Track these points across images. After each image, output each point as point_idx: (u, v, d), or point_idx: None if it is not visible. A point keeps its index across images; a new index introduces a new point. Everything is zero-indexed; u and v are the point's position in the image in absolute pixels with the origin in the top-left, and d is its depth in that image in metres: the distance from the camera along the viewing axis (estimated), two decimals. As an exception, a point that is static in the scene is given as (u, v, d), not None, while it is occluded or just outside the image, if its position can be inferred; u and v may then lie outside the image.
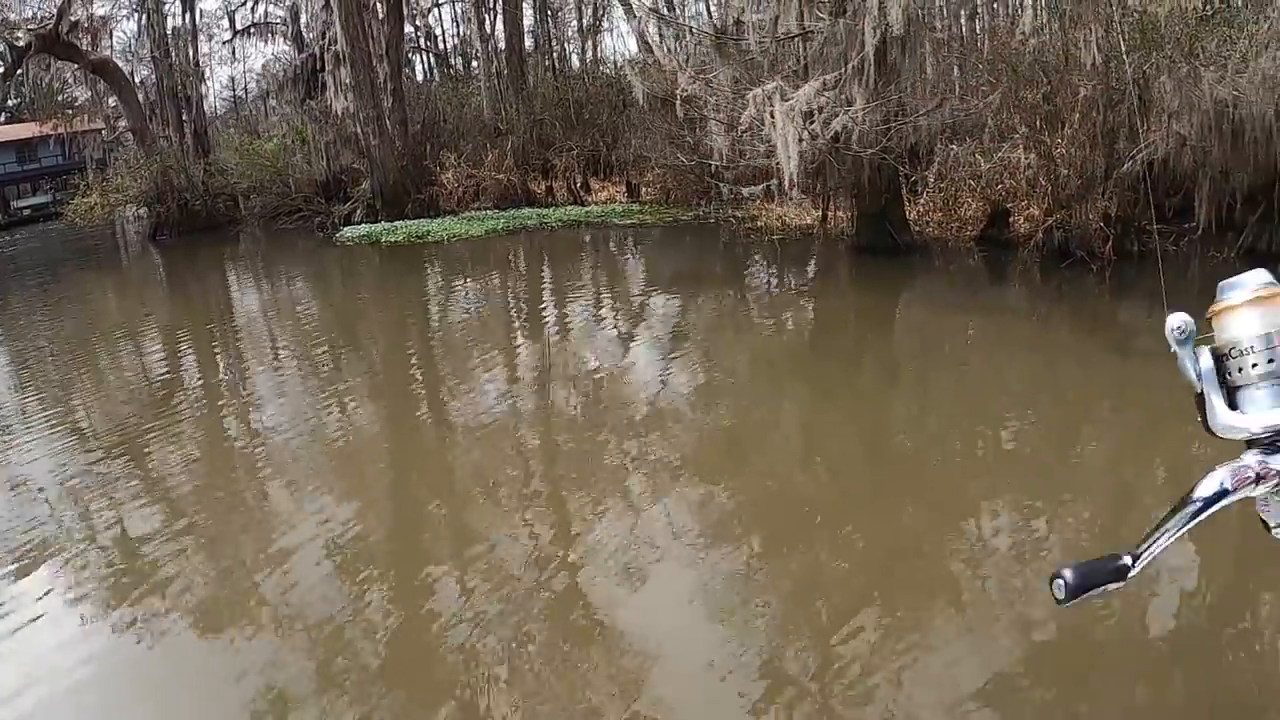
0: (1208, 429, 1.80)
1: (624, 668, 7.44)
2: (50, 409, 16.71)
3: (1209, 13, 21.11)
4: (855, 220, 22.91)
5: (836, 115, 18.67)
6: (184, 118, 44.58)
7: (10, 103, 64.46)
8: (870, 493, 10.51)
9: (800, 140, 18.46)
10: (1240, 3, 21.58)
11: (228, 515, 11.15)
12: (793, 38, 20.49)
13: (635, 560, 9.06)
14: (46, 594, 9.44)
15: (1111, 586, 1.98)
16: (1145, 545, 2.01)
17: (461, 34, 55.29)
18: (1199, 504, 1.87)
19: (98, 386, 18.42)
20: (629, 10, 45.15)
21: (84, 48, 43.55)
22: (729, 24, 22.77)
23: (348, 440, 13.78)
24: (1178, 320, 1.71)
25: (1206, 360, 1.75)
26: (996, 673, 6.89)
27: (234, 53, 52.57)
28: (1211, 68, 19.12)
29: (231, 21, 49.96)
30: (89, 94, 51.40)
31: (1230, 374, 1.75)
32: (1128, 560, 2.01)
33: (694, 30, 22.69)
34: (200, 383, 18.48)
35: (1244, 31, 20.03)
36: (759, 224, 27.04)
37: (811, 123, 18.72)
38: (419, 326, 21.62)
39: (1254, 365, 1.71)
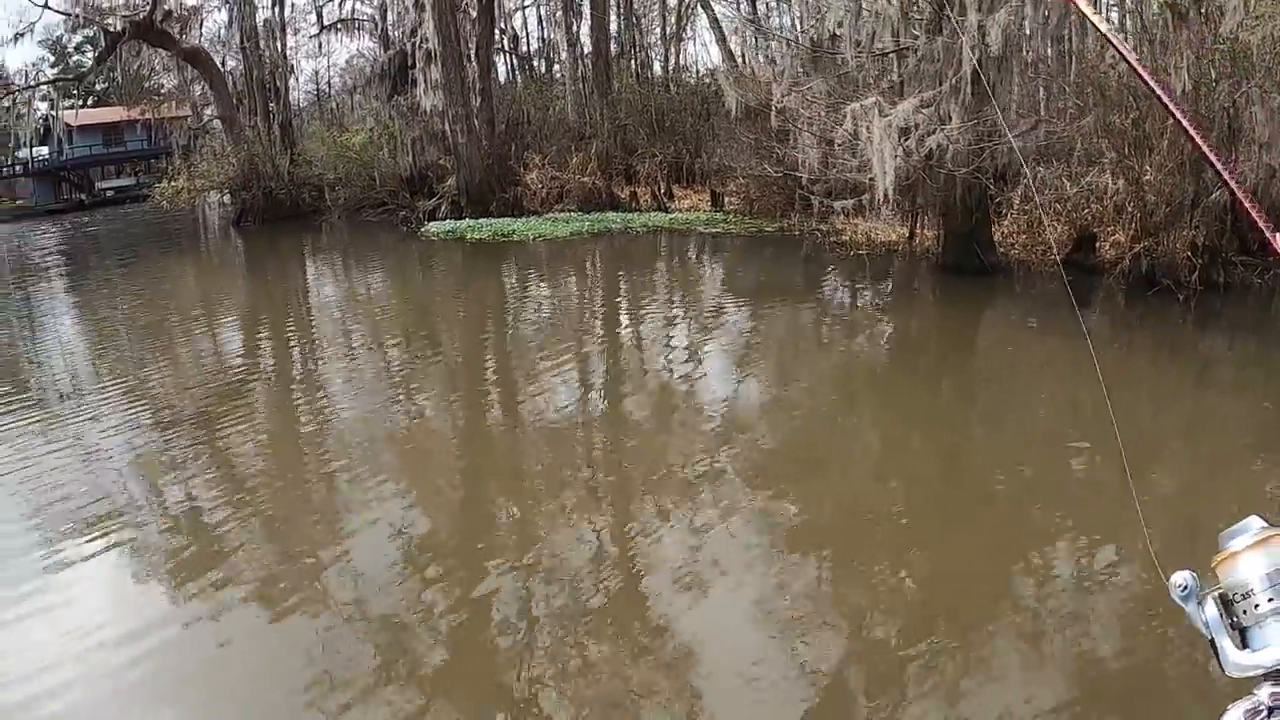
0: (1224, 671, 1.86)
1: (677, 677, 7.55)
2: (127, 386, 17.15)
3: None
4: (943, 238, 22.94)
5: (932, 133, 18.77)
6: (271, 108, 45.13)
7: (99, 87, 65.49)
8: (938, 514, 10.59)
9: (895, 156, 18.59)
10: None
11: (294, 502, 11.42)
12: (888, 54, 20.63)
13: (696, 569, 9.17)
14: (112, 567, 9.79)
15: None
16: None
17: (545, 37, 55.48)
18: None
19: (174, 368, 18.81)
20: (714, 20, 45.48)
21: (176, 36, 44.31)
22: (824, 38, 22.86)
23: (417, 434, 14.03)
24: (1180, 579, 1.86)
25: (1212, 610, 1.84)
26: (1050, 703, 6.98)
27: (320, 46, 53.01)
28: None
29: (319, 16, 50.41)
30: (175, 81, 52.25)
31: (1239, 616, 1.81)
32: None
33: (791, 43, 22.79)
34: (277, 370, 18.87)
35: None
36: (844, 238, 27.07)
37: (906, 139, 18.84)
38: (500, 324, 21.90)
39: (1259, 605, 1.78)
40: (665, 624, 8.28)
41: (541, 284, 26.88)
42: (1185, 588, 1.88)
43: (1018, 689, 7.19)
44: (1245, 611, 1.81)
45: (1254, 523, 1.87)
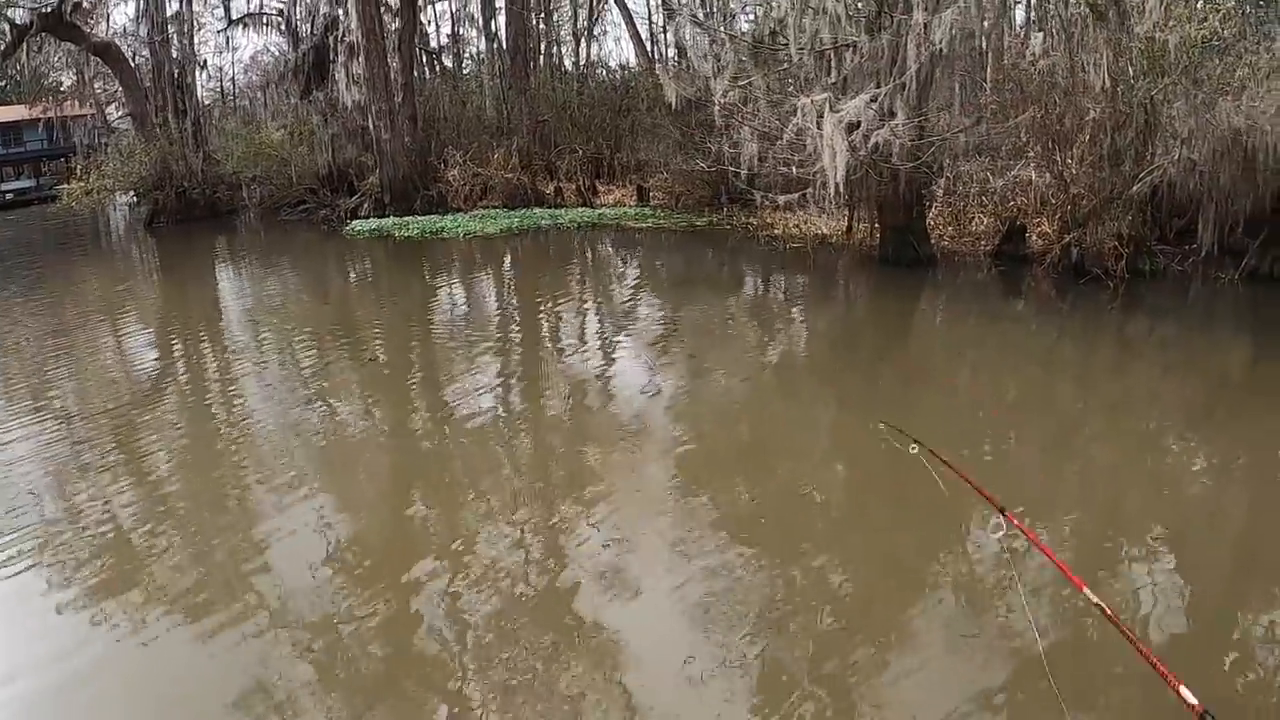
0: None
1: (610, 676, 7.63)
2: (35, 397, 16.62)
3: (1215, 42, 21.63)
4: (880, 231, 23.29)
5: (879, 128, 19.04)
6: (182, 105, 44.37)
7: (-1, 84, 64.13)
8: (870, 501, 10.90)
9: (844, 151, 18.83)
10: (1242, 32, 22.10)
11: (213, 510, 11.23)
12: (832, 50, 20.86)
13: (623, 566, 9.26)
14: (28, 586, 9.52)
15: None
16: None
17: (456, 31, 55.16)
18: None
19: (84, 378, 18.22)
20: (627, 16, 45.59)
21: (86, 30, 43.45)
22: (765, 34, 23.05)
23: (337, 437, 13.84)
24: None
25: None
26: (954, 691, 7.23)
27: (227, 42, 52.33)
28: (1228, 95, 19.70)
29: (226, 10, 49.74)
30: (75, 79, 51.21)
31: None
32: None
33: (734, 38, 22.91)
34: (192, 376, 18.45)
35: (1242, 60, 20.67)
36: (775, 232, 27.35)
37: (852, 135, 19.09)
38: (430, 323, 21.70)
39: None
40: (596, 623, 8.34)
41: (474, 282, 26.68)
42: None
43: (953, 670, 7.47)
44: None
45: None
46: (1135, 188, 20.11)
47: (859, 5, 20.83)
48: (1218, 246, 20.70)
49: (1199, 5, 22.46)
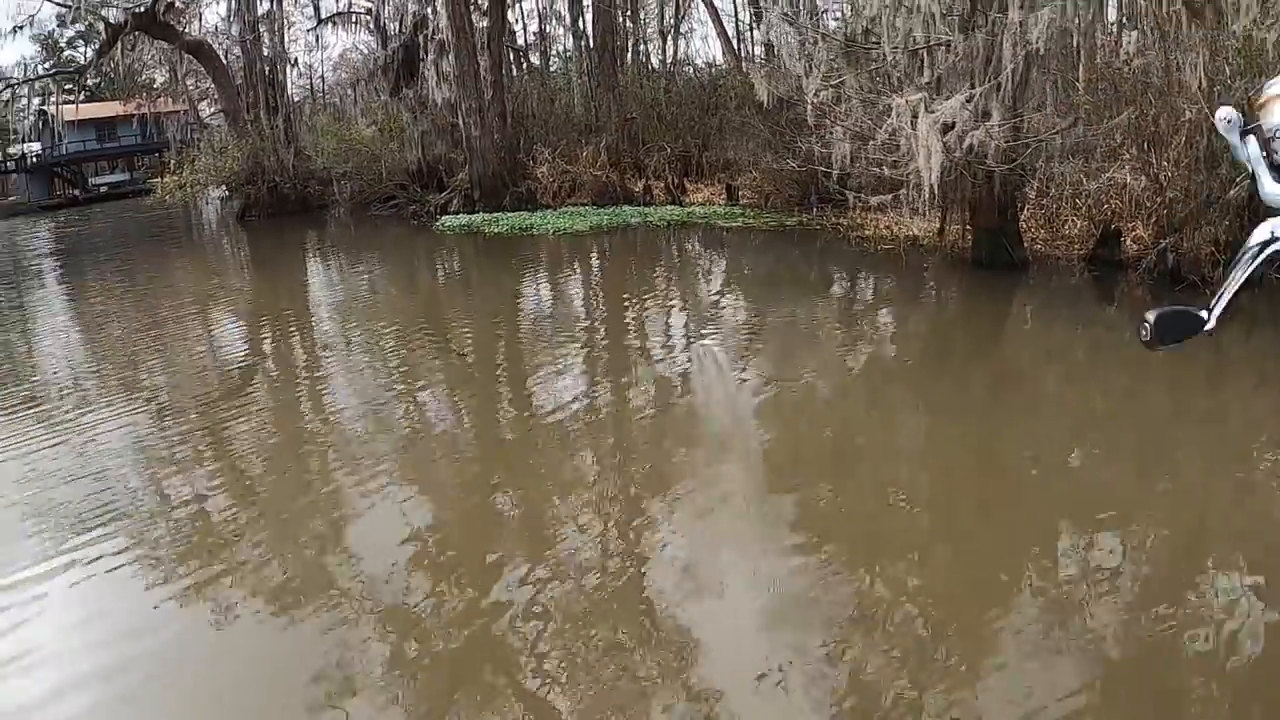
0: (1262, 200, 2.11)
1: (690, 676, 7.54)
2: (131, 388, 16.92)
3: None
4: (973, 234, 23.05)
5: (973, 129, 18.87)
6: (273, 102, 44.97)
7: (91, 82, 65.27)
8: (961, 507, 10.68)
9: (939, 152, 18.69)
10: None
11: (300, 500, 11.38)
12: (928, 47, 20.70)
13: (711, 567, 9.16)
14: (116, 568, 9.67)
15: (1191, 337, 2.45)
16: (1215, 300, 2.49)
17: (542, 29, 55.40)
18: (1254, 249, 2.32)
19: (176, 366, 18.53)
20: (714, 14, 45.54)
21: (179, 28, 44.21)
22: (858, 33, 22.94)
23: (424, 428, 14.01)
24: (1224, 113, 2.14)
25: (1254, 145, 2.09)
26: (1071, 700, 7.01)
27: (317, 40, 52.95)
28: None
29: (316, 9, 50.31)
30: (167, 76, 52.09)
31: (1275, 154, 2.07)
32: (1204, 314, 2.64)
33: (826, 37, 22.85)
34: (283, 367, 18.72)
35: None
36: (866, 233, 27.18)
37: (946, 135, 18.93)
38: (521, 319, 21.71)
39: None
40: (674, 620, 8.30)
41: (562, 278, 26.79)
42: (1229, 121, 2.19)
43: (1035, 681, 7.25)
44: None
45: None
46: (1232, 191, 19.74)
47: (953, 4, 20.65)
48: (1315, 255, 20.31)
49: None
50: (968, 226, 23.49)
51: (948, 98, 19.23)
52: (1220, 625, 7.90)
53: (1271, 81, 2.11)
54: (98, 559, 9.83)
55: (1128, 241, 22.12)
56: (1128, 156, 21.92)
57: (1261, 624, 8.00)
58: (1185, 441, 12.74)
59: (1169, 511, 10.45)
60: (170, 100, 53.91)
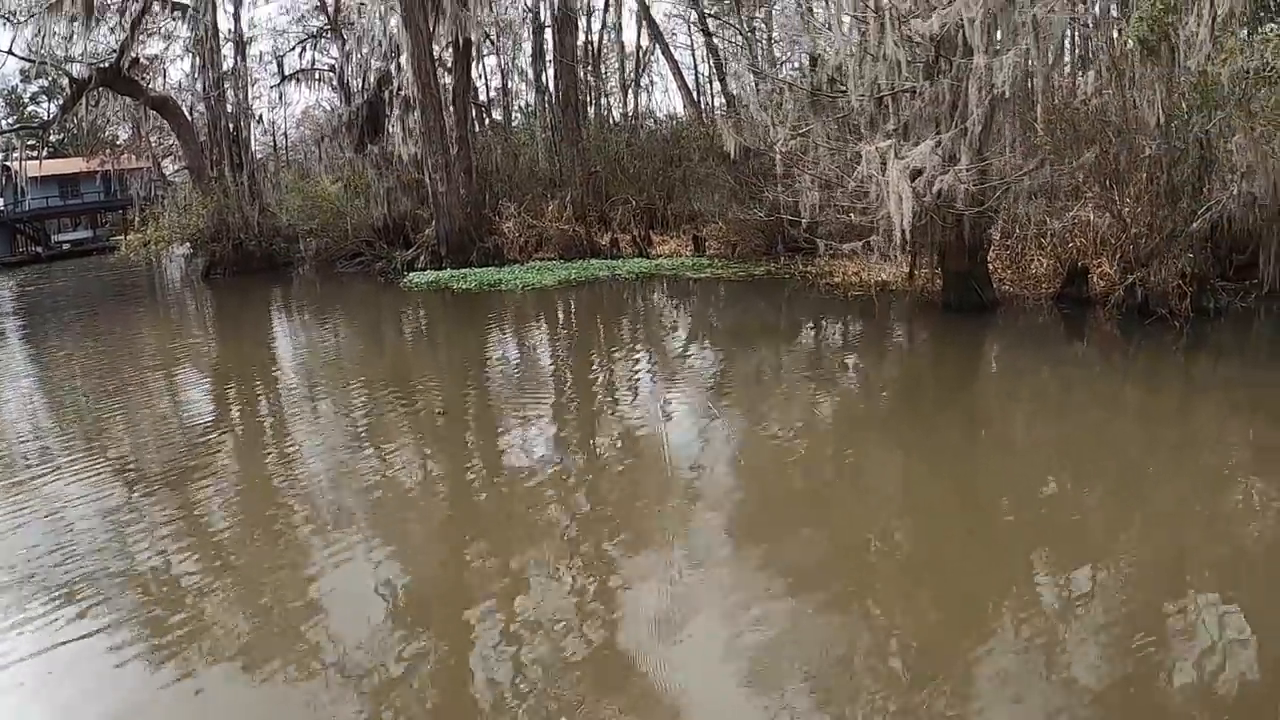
0: None
1: None
2: (92, 445, 16.65)
3: (1267, 73, 21.56)
4: (942, 277, 23.23)
5: (942, 174, 19.05)
6: (238, 158, 44.92)
7: (54, 138, 65.06)
8: (936, 549, 10.68)
9: (910, 198, 18.86)
10: None
11: (268, 560, 11.21)
12: (894, 94, 20.93)
13: (684, 619, 9.09)
14: (83, 634, 9.42)
15: None
16: None
17: (505, 85, 55.71)
18: None
19: (143, 427, 18.16)
20: (675, 68, 45.91)
21: (144, 84, 44.22)
22: (823, 82, 23.20)
23: (395, 487, 13.76)
24: None
25: None
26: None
27: (280, 96, 53.08)
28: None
29: (280, 66, 50.47)
30: (132, 132, 52.01)
31: None
32: None
33: (792, 87, 23.08)
34: (249, 427, 18.37)
35: None
36: (835, 280, 27.33)
37: (916, 181, 19.11)
38: (488, 375, 21.54)
39: None
40: (651, 673, 8.27)
41: (531, 334, 26.61)
42: None
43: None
44: None
45: None
46: (1195, 224, 20.03)
47: (917, 50, 20.91)
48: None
49: (1245, 36, 22.43)
50: (937, 270, 23.68)
51: (916, 143, 19.45)
52: (1200, 654, 7.99)
53: None
54: (64, 624, 9.63)
55: (1094, 278, 22.43)
56: (1090, 194, 22.21)
57: (1239, 651, 8.08)
58: (1158, 473, 12.94)
59: (1145, 543, 10.58)
60: (134, 157, 53.70)
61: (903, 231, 19.12)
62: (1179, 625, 8.59)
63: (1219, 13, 19.55)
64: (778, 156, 22.33)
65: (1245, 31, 22.71)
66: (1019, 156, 20.84)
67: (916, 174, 19.09)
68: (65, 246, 65.50)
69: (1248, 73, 20.79)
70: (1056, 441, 14.38)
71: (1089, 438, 14.30)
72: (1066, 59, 27.33)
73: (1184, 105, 20.85)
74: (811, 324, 24.76)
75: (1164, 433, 14.70)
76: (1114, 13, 27.59)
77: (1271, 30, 26.36)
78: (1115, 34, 26.07)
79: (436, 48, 38.85)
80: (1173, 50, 20.51)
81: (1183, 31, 20.36)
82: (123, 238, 50.16)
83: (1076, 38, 29.38)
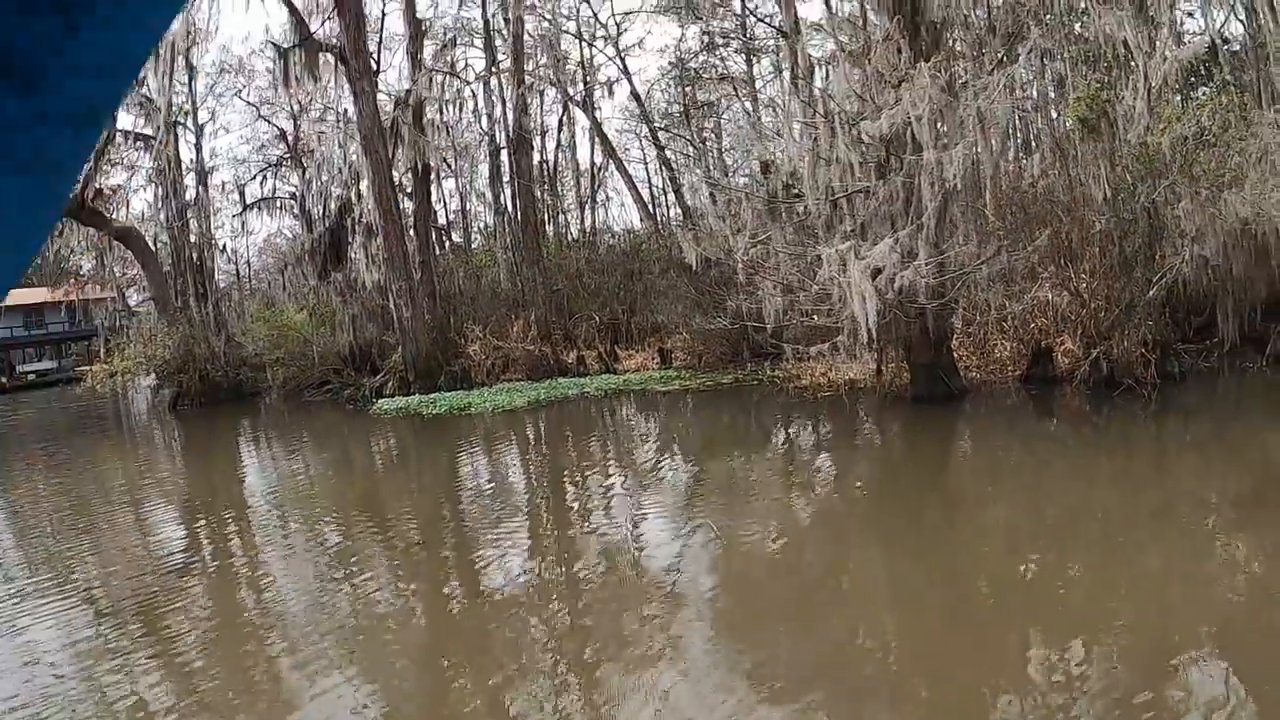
0: None
1: None
2: (62, 583, 16.33)
3: (1205, 137, 22.20)
4: (910, 370, 23.48)
5: (902, 270, 19.39)
6: (202, 288, 45.10)
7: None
8: (915, 646, 10.63)
9: (873, 296, 19.17)
10: (1226, 123, 22.72)
11: (242, 694, 10.99)
12: (846, 197, 21.36)
13: None
14: None
15: None
16: None
17: (463, 206, 56.36)
18: None
19: (111, 561, 17.87)
20: (629, 181, 46.56)
21: (108, 216, 44.46)
22: (778, 189, 23.63)
23: (371, 617, 13.56)
24: None
25: None
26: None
27: (243, 225, 53.43)
28: (1231, 188, 20.18)
29: (241, 195, 50.85)
30: (94, 263, 52.17)
31: None
32: None
33: (750, 196, 23.51)
34: (222, 561, 17.99)
35: (1231, 150, 21.22)
36: (803, 382, 27.55)
37: (877, 279, 19.43)
38: (461, 501, 21.22)
39: None
40: None
41: (503, 456, 26.52)
42: None
43: None
44: None
45: None
46: (1151, 292, 20.44)
47: (867, 151, 21.36)
48: (1239, 337, 21.09)
49: (1179, 103, 23.06)
50: (903, 364, 23.96)
51: (874, 243, 19.81)
52: (1201, 715, 8.02)
53: None
54: None
55: (1059, 356, 22.80)
56: (1046, 274, 22.65)
57: (1236, 713, 8.14)
58: (1139, 539, 13.00)
59: (1131, 610, 10.62)
60: (98, 287, 53.81)
61: (868, 329, 19.39)
62: (1171, 692, 8.64)
63: (1153, 84, 20.18)
64: (739, 265, 22.63)
65: (1178, 99, 23.44)
66: (974, 245, 21.22)
67: (877, 272, 19.42)
68: (30, 377, 65.33)
69: (1186, 138, 21.45)
70: (1036, 518, 14.55)
71: (1068, 510, 14.48)
72: (1010, 145, 27.87)
73: (1128, 177, 21.45)
74: (783, 426, 24.89)
75: (1142, 498, 14.88)
76: (1051, 94, 28.42)
77: (1204, 94, 27.21)
78: (1055, 115, 26.82)
79: (396, 174, 39.35)
80: (1112, 125, 21.13)
81: (1120, 106, 21.01)
82: (88, 369, 49.97)
83: (1017, 123, 30.07)
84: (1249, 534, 12.65)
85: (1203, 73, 26.45)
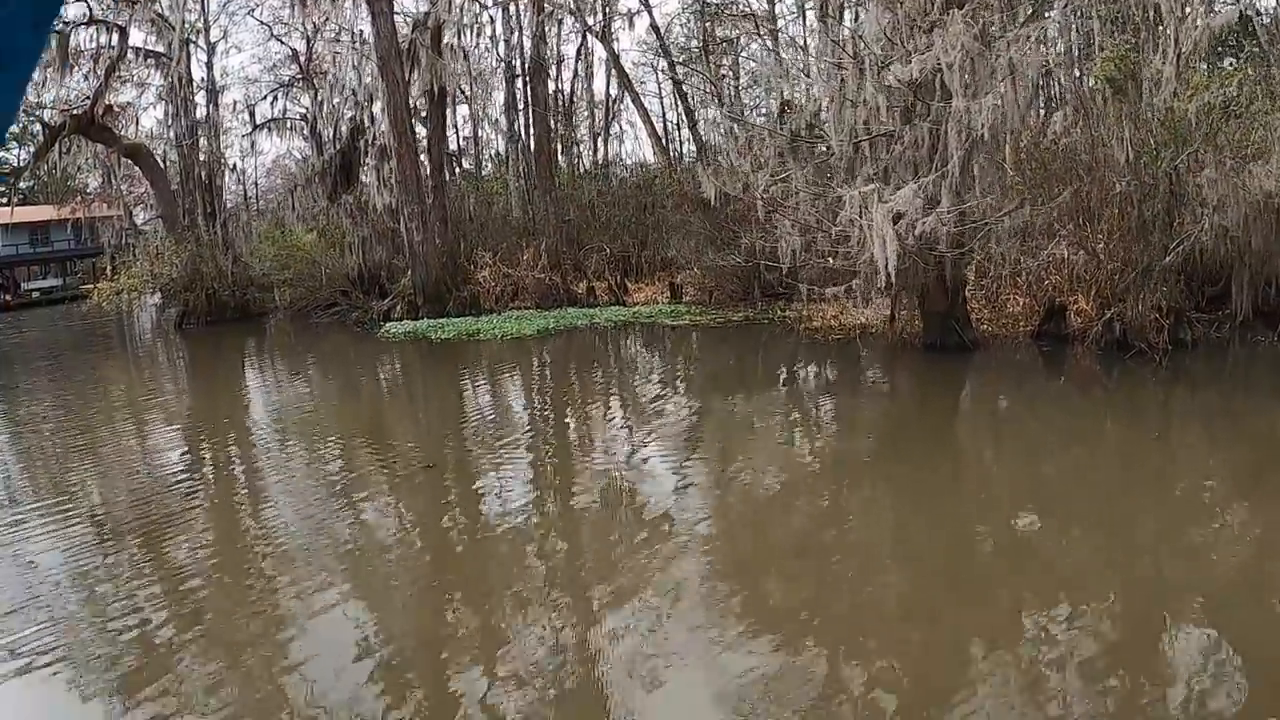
0: None
1: None
2: (63, 501, 16.29)
3: (1232, 108, 21.95)
4: (923, 319, 23.34)
5: (924, 217, 19.22)
6: (211, 208, 44.83)
7: (24, 185, 64.79)
8: (913, 592, 10.66)
9: (894, 241, 19.01)
10: (1254, 95, 22.49)
11: (243, 618, 10.98)
12: (869, 141, 21.16)
13: (658, 662, 9.05)
14: (55, 689, 9.27)
15: None
16: None
17: (475, 133, 56.02)
18: None
19: (112, 480, 17.92)
20: (645, 115, 46.18)
21: (118, 132, 44.14)
22: (801, 128, 23.41)
23: (371, 539, 13.63)
24: None
25: None
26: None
27: (252, 145, 53.09)
28: (1258, 160, 19.99)
29: (251, 115, 50.43)
30: (101, 180, 51.86)
31: None
32: None
33: (773, 133, 23.28)
34: (224, 481, 18.00)
35: (1257, 122, 21.01)
36: (814, 324, 27.44)
37: (898, 224, 19.27)
38: (467, 426, 21.23)
39: None
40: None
41: (510, 384, 26.44)
42: None
43: None
44: None
45: None
46: (1169, 257, 20.31)
47: (894, 96, 21.11)
48: (1252, 310, 21.00)
49: (1206, 71, 22.82)
50: (917, 312, 23.81)
51: (897, 188, 19.60)
52: (1184, 683, 8.07)
53: None
54: (36, 679, 9.46)
55: (1072, 315, 22.60)
56: (1065, 232, 22.45)
57: (1224, 679, 8.15)
58: (1141, 504, 13.03)
59: (1129, 573, 10.65)
60: (105, 205, 53.43)
61: (887, 275, 19.25)
62: (1164, 656, 8.65)
63: (1184, 49, 19.95)
64: (759, 202, 22.44)
65: (1205, 66, 23.19)
66: (997, 197, 21.03)
67: (898, 217, 19.26)
68: (35, 295, 65.07)
69: (1213, 107, 21.22)
70: (1040, 476, 14.60)
71: (1071, 471, 14.53)
72: (1035, 101, 27.59)
73: (1151, 141, 21.21)
74: (793, 368, 24.82)
75: (1145, 464, 14.85)
76: (1076, 53, 28.10)
77: (1230, 65, 26.93)
78: (1079, 75, 26.55)
79: (411, 97, 39.01)
80: (1138, 88, 20.90)
81: (1148, 70, 20.78)
82: (94, 287, 49.70)
83: (1042, 79, 29.77)
84: (1248, 506, 12.69)
85: (1231, 43, 26.14)
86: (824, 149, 22.25)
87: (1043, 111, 29.98)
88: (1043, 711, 7.83)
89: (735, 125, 24.73)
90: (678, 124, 53.65)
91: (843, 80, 21.06)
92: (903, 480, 14.83)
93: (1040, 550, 11.65)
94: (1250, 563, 10.84)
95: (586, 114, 56.73)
